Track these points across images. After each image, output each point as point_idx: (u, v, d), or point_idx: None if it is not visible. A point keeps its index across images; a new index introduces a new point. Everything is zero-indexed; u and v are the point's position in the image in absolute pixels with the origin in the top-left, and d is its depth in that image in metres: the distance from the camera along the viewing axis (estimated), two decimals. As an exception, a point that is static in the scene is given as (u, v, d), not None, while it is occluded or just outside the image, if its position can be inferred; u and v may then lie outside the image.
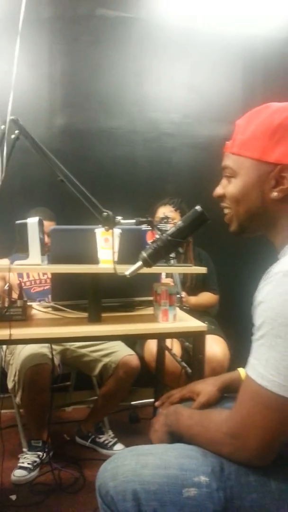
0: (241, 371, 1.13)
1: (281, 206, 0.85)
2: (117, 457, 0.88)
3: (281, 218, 0.86)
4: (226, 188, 0.90)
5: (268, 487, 0.79)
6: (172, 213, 2.27)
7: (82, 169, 2.49)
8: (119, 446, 2.05)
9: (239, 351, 2.17)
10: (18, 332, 1.24)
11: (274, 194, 0.84)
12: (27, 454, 1.91)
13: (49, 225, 2.16)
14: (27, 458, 1.88)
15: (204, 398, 1.06)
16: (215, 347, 2.04)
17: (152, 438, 1.01)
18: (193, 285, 2.36)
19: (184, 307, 2.08)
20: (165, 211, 2.29)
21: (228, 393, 1.10)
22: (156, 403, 1.21)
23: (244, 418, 0.77)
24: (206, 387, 1.10)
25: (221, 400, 1.08)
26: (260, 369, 0.74)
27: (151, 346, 2.06)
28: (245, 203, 0.87)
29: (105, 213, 1.19)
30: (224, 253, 2.62)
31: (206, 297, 2.39)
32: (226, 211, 0.94)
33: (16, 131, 1.24)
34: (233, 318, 2.53)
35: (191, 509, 0.78)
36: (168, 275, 2.09)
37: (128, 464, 0.84)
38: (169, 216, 1.57)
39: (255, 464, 0.79)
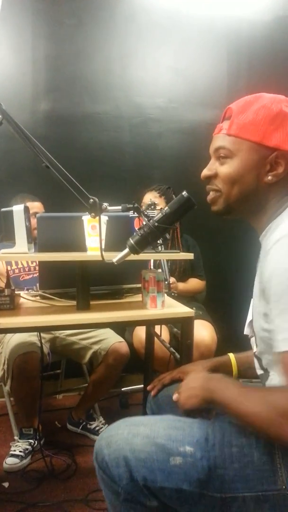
0: (231, 356, 1.14)
1: (272, 190, 0.88)
2: (112, 427, 0.93)
3: (269, 202, 0.89)
4: (220, 168, 0.90)
5: (250, 457, 0.82)
6: (156, 199, 2.26)
7: (68, 155, 2.46)
8: (110, 432, 2.07)
9: (227, 335, 2.20)
10: (6, 321, 1.23)
11: (269, 178, 0.87)
12: (18, 442, 1.92)
13: (34, 206, 2.15)
14: (19, 446, 1.89)
15: None
16: (203, 332, 2.06)
17: (187, 403, 0.93)
18: (181, 271, 2.37)
19: (173, 294, 2.09)
20: (150, 197, 2.28)
21: None
22: (148, 387, 1.22)
23: None
24: (195, 368, 1.13)
25: None
26: None
27: (140, 333, 2.07)
28: (240, 184, 0.88)
29: (91, 200, 1.17)
30: (210, 239, 2.63)
31: (194, 283, 2.41)
32: (212, 192, 0.94)
33: (-1, 117, 1.21)
34: (221, 303, 2.56)
35: (178, 476, 0.82)
36: (156, 266, 2.08)
37: (121, 433, 0.88)
38: (156, 202, 1.56)
39: None
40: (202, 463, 0.82)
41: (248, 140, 0.86)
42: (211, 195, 0.94)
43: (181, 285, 2.29)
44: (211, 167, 0.93)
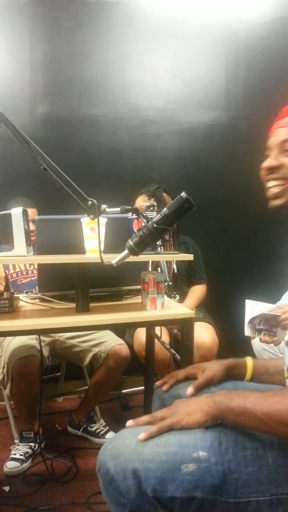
0: (249, 358, 1.13)
1: None
2: (118, 437, 0.88)
3: None
4: (286, 159, 0.93)
5: (264, 460, 0.80)
6: (146, 202, 2.23)
7: (66, 157, 2.47)
8: (111, 434, 2.06)
9: (228, 337, 2.20)
10: (6, 324, 1.23)
11: None
12: (19, 445, 1.91)
13: (32, 212, 2.14)
14: (19, 450, 1.88)
15: (210, 373, 1.06)
16: (204, 334, 2.06)
17: (187, 420, 0.85)
18: (180, 273, 2.36)
19: (172, 295, 2.09)
20: (141, 201, 2.27)
21: (231, 376, 1.09)
22: (157, 383, 1.19)
23: None
24: (212, 365, 1.10)
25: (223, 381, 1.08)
26: None
27: (141, 335, 2.06)
28: None
29: (90, 202, 1.17)
30: (211, 240, 2.63)
31: (197, 293, 2.40)
32: (274, 183, 0.95)
33: (-3, 120, 1.21)
34: (222, 305, 2.55)
35: (190, 484, 0.78)
36: (153, 267, 2.07)
37: (128, 443, 0.84)
38: (155, 204, 1.56)
39: None
40: (216, 468, 0.79)
41: None
42: (275, 188, 0.95)
43: (191, 303, 2.30)
44: (276, 158, 0.95)
